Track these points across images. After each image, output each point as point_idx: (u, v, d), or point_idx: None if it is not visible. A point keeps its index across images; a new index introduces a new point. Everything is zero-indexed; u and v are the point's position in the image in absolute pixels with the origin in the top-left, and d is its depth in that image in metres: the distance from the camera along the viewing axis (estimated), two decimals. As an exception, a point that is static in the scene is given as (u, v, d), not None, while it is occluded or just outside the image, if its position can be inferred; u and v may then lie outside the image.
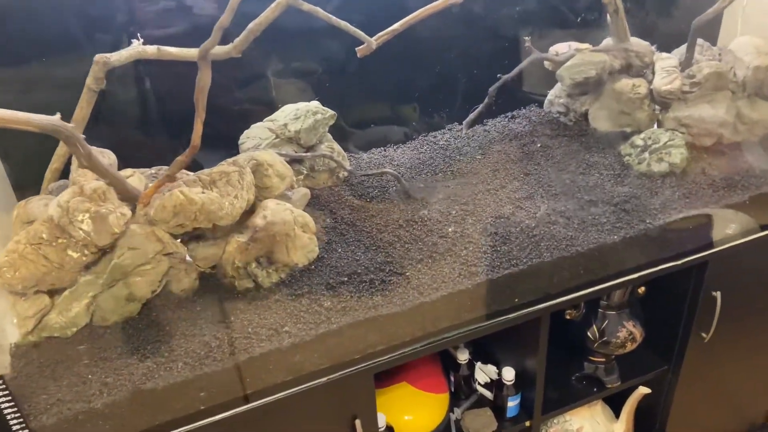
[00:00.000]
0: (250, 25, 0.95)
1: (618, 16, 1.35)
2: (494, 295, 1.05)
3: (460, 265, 1.05)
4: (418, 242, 1.11)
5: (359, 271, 1.04)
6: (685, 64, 1.38)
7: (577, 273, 1.10)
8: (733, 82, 1.33)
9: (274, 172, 1.08)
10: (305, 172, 1.26)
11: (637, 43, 1.40)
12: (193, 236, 1.03)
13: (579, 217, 1.15)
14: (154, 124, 1.29)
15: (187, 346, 0.92)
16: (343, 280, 1.03)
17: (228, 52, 0.98)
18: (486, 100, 1.47)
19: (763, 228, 1.22)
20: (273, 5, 0.96)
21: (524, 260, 1.06)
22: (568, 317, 1.32)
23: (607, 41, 1.43)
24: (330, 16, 1.01)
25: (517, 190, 1.25)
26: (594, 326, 1.33)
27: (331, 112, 1.29)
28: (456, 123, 1.55)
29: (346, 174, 1.32)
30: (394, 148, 1.49)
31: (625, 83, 1.35)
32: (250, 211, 1.06)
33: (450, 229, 1.14)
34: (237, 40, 0.97)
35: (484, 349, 1.35)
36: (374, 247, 1.11)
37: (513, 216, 1.16)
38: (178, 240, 1.01)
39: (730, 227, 1.20)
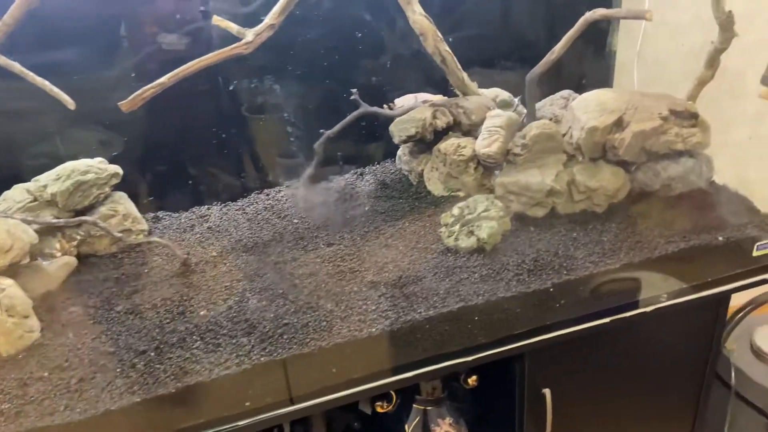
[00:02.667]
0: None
1: (448, 67, 1.20)
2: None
3: (190, 363, 0.90)
4: (160, 329, 0.97)
5: (65, 364, 0.91)
6: (528, 121, 1.22)
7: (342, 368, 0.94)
8: (570, 144, 1.16)
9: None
10: (79, 237, 1.14)
11: (476, 100, 1.24)
12: None
13: (347, 302, 0.99)
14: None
15: None
16: (43, 376, 0.89)
17: None
18: (315, 158, 1.33)
19: (579, 320, 1.03)
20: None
21: (273, 353, 0.90)
22: (379, 410, 1.15)
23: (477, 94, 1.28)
24: (27, 72, 0.89)
25: (306, 264, 1.10)
26: (405, 424, 1.15)
27: (113, 170, 1.18)
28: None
29: (138, 239, 1.19)
30: (221, 206, 1.36)
31: (449, 143, 1.20)
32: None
33: (202, 313, 1.00)
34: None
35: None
36: (109, 332, 0.97)
37: (284, 295, 1.01)
38: None
39: (544, 318, 1.02)
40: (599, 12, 1.03)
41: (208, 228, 1.26)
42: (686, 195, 1.18)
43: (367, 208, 1.27)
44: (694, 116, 1.16)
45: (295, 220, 1.26)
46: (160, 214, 1.32)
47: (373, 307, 0.97)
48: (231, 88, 1.34)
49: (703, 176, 1.20)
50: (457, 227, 1.10)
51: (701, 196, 1.18)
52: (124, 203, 1.20)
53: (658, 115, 1.12)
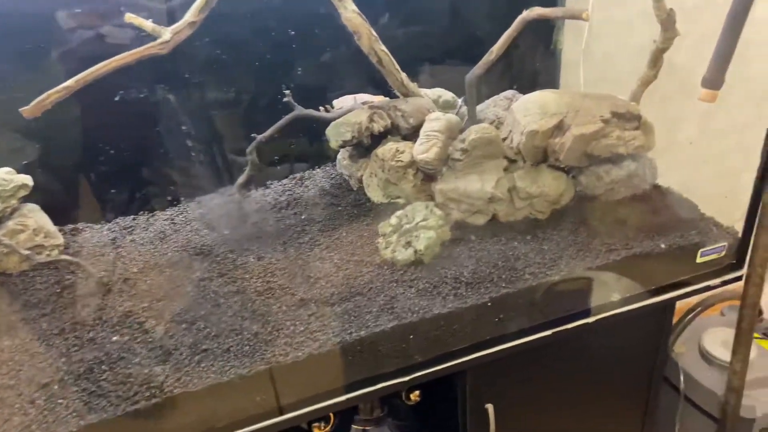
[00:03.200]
0: None
1: (385, 68, 1.14)
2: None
3: (96, 397, 0.82)
4: (66, 358, 0.89)
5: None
6: (469, 124, 1.16)
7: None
8: (510, 149, 1.11)
9: None
10: (-15, 254, 1.05)
11: (415, 102, 1.18)
12: None
13: (274, 323, 0.92)
14: None
15: None
16: None
17: None
18: (249, 165, 1.25)
19: (520, 334, 0.99)
20: None
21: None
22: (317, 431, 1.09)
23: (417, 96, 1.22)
24: None
25: (234, 280, 1.03)
26: (344, 443, 1.09)
27: (20, 181, 1.08)
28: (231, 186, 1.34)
29: (51, 255, 1.10)
30: (148, 216, 1.27)
31: (387, 149, 1.14)
32: None
33: (114, 339, 0.92)
34: None
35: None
36: (10, 363, 0.89)
37: (206, 317, 0.94)
38: None
39: (484, 333, 0.97)
40: (536, 11, 0.98)
41: (132, 241, 1.18)
42: (630, 199, 1.15)
43: (303, 217, 1.20)
44: (637, 118, 1.13)
45: (226, 232, 1.18)
46: (81, 225, 1.23)
47: (302, 328, 0.91)
48: (160, 90, 1.25)
49: (646, 179, 1.17)
50: (394, 238, 1.04)
51: (645, 199, 1.15)
52: (34, 216, 1.11)
53: (600, 118, 1.08)
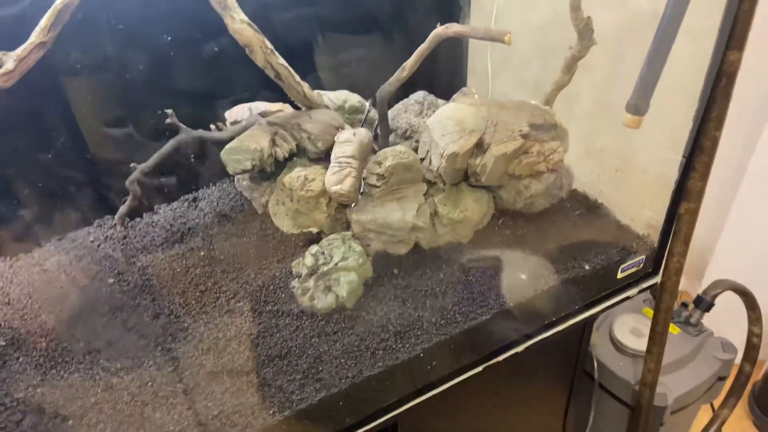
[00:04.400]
0: None
1: (284, 82, 1.00)
2: None
3: None
4: None
5: None
6: (382, 144, 1.07)
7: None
8: (429, 171, 1.03)
9: None
10: None
11: (321, 118, 1.06)
12: None
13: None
14: None
15: None
16: None
17: None
18: (130, 196, 1.08)
19: (452, 375, 0.94)
20: None
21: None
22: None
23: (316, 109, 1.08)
24: None
25: (114, 357, 0.89)
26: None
27: None
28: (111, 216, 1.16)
29: None
30: (10, 261, 1.07)
31: (294, 177, 1.01)
32: None
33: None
34: None
35: None
36: None
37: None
38: None
39: (416, 382, 0.91)
40: (453, 29, 0.88)
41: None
42: (549, 211, 1.12)
43: (202, 254, 1.06)
44: (554, 126, 1.09)
45: (110, 280, 1.02)
46: None
47: (216, 411, 0.80)
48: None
49: (564, 188, 1.14)
50: (312, 282, 0.94)
51: (563, 211, 1.13)
52: None
53: (519, 133, 1.02)
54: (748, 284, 1.42)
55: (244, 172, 1.02)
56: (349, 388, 0.83)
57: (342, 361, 0.86)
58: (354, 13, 1.30)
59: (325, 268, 0.95)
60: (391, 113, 1.18)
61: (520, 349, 0.99)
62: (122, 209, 1.11)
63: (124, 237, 1.11)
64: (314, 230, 1.05)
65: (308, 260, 0.97)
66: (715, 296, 1.42)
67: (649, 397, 1.28)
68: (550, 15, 1.23)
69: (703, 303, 1.41)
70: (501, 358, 0.97)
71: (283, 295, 0.96)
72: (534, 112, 1.08)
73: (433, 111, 1.11)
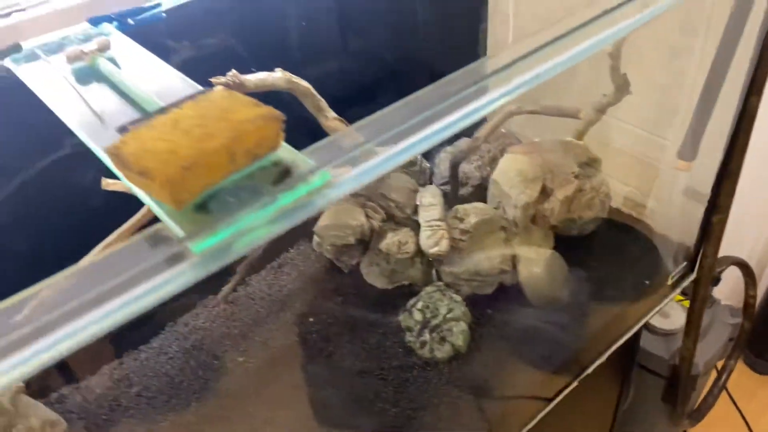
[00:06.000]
0: None
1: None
2: None
3: None
4: None
5: None
6: (451, 198, 1.21)
7: None
8: (504, 219, 1.18)
9: None
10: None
11: (399, 185, 1.19)
12: None
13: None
14: None
15: None
16: None
17: None
18: (237, 275, 1.18)
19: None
20: None
21: None
22: None
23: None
24: None
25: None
26: None
27: None
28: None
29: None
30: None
31: (390, 242, 1.15)
32: None
33: None
34: None
35: None
36: None
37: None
38: None
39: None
40: (527, 109, 1.03)
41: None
42: (598, 235, 1.29)
43: (311, 319, 1.18)
44: (594, 161, 1.25)
45: (240, 358, 1.13)
46: None
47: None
48: None
49: (605, 209, 1.31)
50: (427, 336, 1.08)
51: (610, 231, 1.31)
52: None
53: (573, 175, 1.19)
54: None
55: (344, 246, 1.14)
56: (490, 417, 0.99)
57: (479, 402, 1.01)
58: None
59: (435, 321, 1.09)
60: (436, 165, 1.32)
61: (604, 358, 1.17)
62: (226, 288, 1.22)
63: (232, 314, 1.22)
64: (406, 282, 1.19)
65: (417, 316, 1.11)
66: (721, 272, 1.65)
67: (687, 370, 1.50)
68: None
69: (714, 280, 1.64)
70: (590, 369, 1.15)
71: (400, 350, 1.10)
72: (576, 151, 1.24)
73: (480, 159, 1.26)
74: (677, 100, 1.16)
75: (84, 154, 0.58)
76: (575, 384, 1.14)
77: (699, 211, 1.21)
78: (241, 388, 1.07)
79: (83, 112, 0.62)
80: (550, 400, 1.10)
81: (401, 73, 1.46)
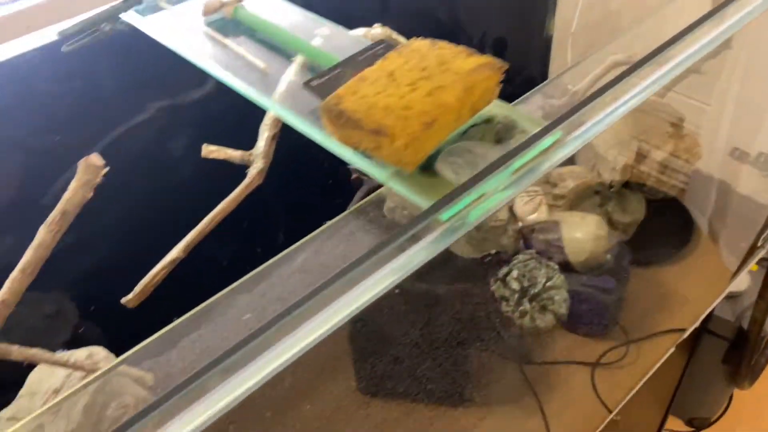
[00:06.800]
0: None
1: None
2: None
3: None
4: None
5: None
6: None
7: None
8: (599, 183, 1.14)
9: None
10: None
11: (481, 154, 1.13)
12: None
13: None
14: None
15: None
16: None
17: None
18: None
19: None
20: None
21: None
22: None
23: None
24: None
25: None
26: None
27: None
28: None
29: None
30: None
31: (483, 209, 1.10)
32: None
33: None
34: None
35: None
36: None
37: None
38: None
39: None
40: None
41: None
42: (681, 195, 1.26)
43: (397, 291, 1.14)
44: (682, 120, 1.21)
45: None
46: None
47: None
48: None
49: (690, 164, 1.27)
50: (526, 305, 1.05)
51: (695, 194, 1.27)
52: None
53: (667, 134, 1.14)
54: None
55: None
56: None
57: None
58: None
59: (534, 290, 1.05)
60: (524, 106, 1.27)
61: (699, 322, 1.15)
62: (300, 260, 1.16)
63: (309, 284, 1.17)
64: (492, 251, 1.15)
65: (514, 285, 1.07)
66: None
67: (757, 332, 1.49)
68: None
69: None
70: (686, 334, 1.13)
71: (497, 320, 1.07)
72: (666, 110, 1.19)
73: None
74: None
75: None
76: (672, 349, 1.11)
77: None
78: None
79: (237, 65, 0.56)
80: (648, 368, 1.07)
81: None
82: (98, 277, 0.81)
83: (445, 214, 0.40)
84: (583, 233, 1.10)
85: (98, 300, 0.77)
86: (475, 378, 0.99)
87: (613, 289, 1.14)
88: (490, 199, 0.42)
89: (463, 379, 0.99)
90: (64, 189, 0.80)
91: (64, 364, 0.55)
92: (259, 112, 0.85)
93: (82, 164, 0.52)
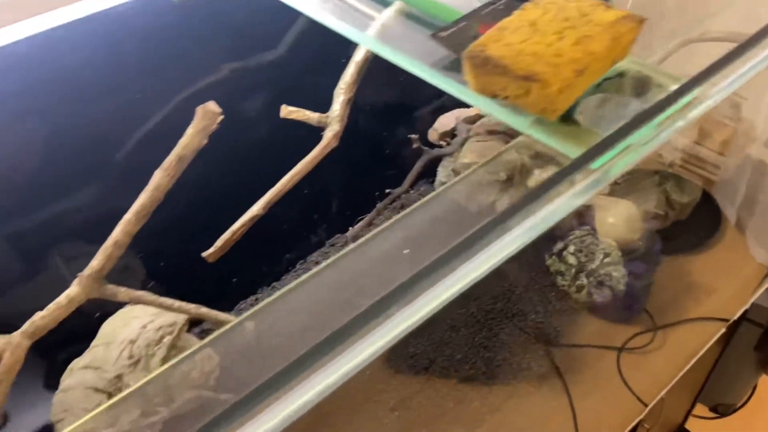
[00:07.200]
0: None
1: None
2: None
3: None
4: None
5: None
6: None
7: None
8: (659, 162, 1.13)
9: None
10: None
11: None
12: None
13: None
14: None
15: None
16: None
17: None
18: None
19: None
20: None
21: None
22: None
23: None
24: None
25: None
26: None
27: None
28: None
29: None
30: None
31: (540, 180, 1.09)
32: None
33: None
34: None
35: None
36: None
37: None
38: None
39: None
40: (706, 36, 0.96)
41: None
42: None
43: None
44: (741, 100, 1.20)
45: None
46: None
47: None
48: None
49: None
50: (584, 280, 1.05)
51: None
52: None
53: (729, 119, 1.13)
54: None
55: (496, 182, 1.09)
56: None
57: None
58: None
59: (592, 266, 1.05)
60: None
61: (749, 304, 1.15)
62: (356, 227, 1.17)
63: (362, 253, 1.17)
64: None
65: (571, 260, 1.07)
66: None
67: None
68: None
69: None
70: (736, 316, 1.13)
71: (553, 294, 1.07)
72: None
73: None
74: None
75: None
76: (723, 330, 1.12)
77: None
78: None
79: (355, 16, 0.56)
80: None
81: None
82: (181, 231, 0.82)
83: (595, 163, 0.40)
84: (615, 218, 1.09)
85: (181, 255, 0.77)
86: (511, 355, 0.99)
87: (643, 274, 1.14)
88: (633, 153, 0.42)
89: (496, 355, 1.00)
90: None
91: (168, 308, 0.55)
92: (335, 75, 0.85)
93: (199, 111, 0.52)
